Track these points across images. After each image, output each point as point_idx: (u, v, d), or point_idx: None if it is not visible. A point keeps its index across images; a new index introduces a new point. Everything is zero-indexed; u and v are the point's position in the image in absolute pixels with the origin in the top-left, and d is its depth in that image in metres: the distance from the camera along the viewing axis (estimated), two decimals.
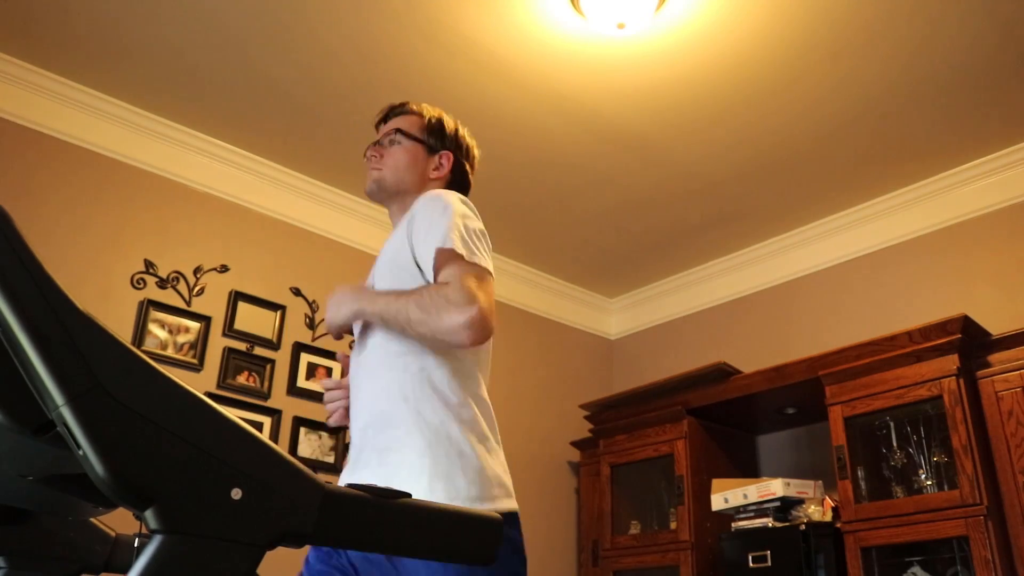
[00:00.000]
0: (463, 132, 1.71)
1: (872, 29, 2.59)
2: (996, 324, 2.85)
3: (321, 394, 3.31)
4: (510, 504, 1.34)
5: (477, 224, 1.48)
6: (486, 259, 1.42)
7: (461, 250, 1.37)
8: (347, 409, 1.56)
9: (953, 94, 2.88)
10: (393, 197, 1.63)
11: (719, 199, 3.57)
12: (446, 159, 1.66)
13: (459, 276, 1.34)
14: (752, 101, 2.95)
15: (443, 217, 1.42)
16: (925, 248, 3.41)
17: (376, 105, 3.01)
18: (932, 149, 3.19)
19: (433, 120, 1.67)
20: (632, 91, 2.92)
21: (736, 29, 2.62)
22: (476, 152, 1.74)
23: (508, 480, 1.38)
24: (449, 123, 1.68)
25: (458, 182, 1.68)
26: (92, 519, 1.11)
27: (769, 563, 2.95)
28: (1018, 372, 2.62)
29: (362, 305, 1.43)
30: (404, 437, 1.32)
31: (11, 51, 2.82)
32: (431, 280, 1.40)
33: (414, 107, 1.69)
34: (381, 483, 1.22)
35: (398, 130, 1.65)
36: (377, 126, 1.72)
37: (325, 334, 3.44)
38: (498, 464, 1.37)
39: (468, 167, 1.70)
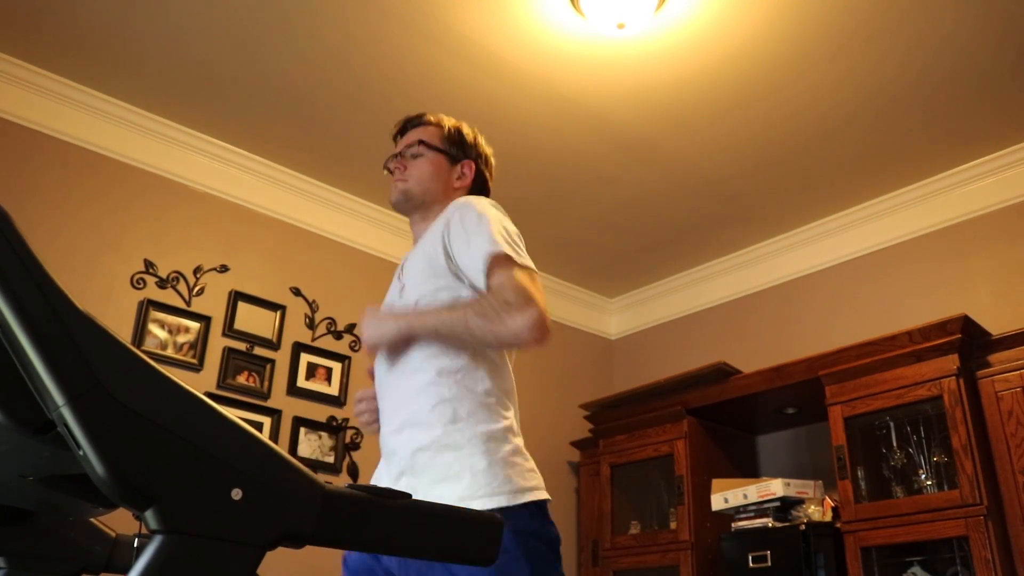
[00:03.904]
0: (481, 140, 1.74)
1: (871, 28, 2.59)
2: (996, 324, 2.85)
3: (321, 394, 3.32)
4: (544, 494, 1.40)
5: (513, 227, 1.51)
6: (529, 260, 1.45)
7: (510, 252, 1.40)
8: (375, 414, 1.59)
9: (952, 94, 2.88)
10: (418, 208, 1.66)
11: (719, 199, 3.57)
12: (468, 168, 1.69)
13: (514, 279, 1.37)
14: (751, 101, 2.95)
15: (483, 223, 1.44)
16: (925, 248, 3.41)
17: (376, 104, 3.03)
18: (932, 149, 3.19)
19: (453, 130, 1.70)
20: (632, 91, 2.92)
21: (736, 29, 2.62)
22: (493, 160, 1.77)
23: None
24: (468, 132, 1.72)
25: (480, 190, 1.72)
26: (92, 519, 1.11)
27: (769, 563, 2.95)
28: (1018, 372, 2.62)
29: (411, 323, 1.43)
30: (463, 455, 1.36)
31: (12, 51, 2.82)
32: (477, 285, 1.42)
33: (431, 118, 1.72)
34: (431, 484, 1.32)
35: (421, 141, 1.67)
36: (395, 138, 1.74)
37: (325, 334, 3.44)
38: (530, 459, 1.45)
39: (488, 175, 1.74)
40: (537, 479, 1.40)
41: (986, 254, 3.21)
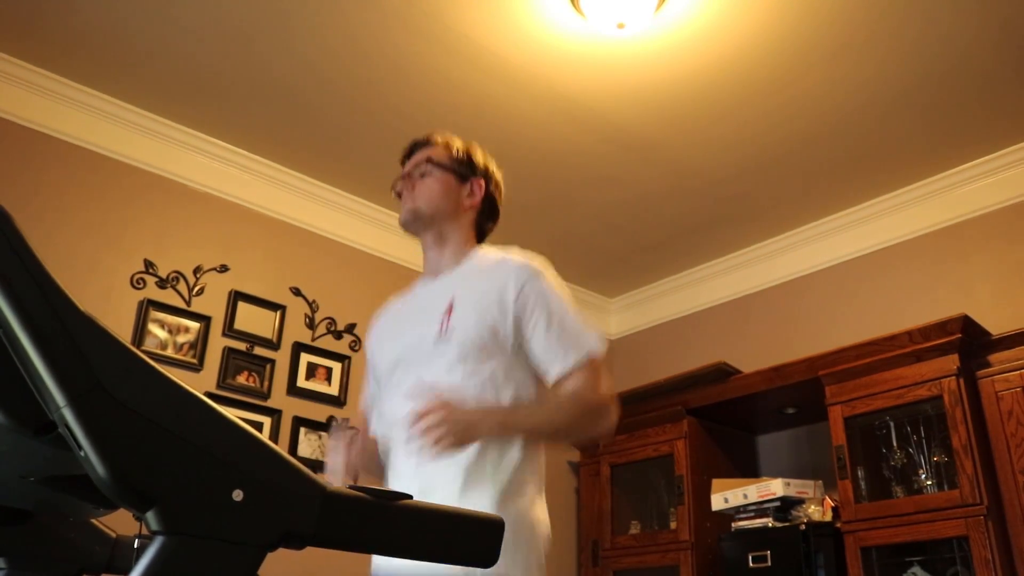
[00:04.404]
0: (491, 162, 1.73)
1: (871, 28, 2.59)
2: (996, 324, 2.85)
3: (321, 394, 3.32)
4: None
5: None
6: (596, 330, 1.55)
7: (599, 351, 1.49)
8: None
9: (953, 93, 2.88)
10: (429, 227, 1.64)
11: (719, 199, 3.57)
12: (478, 187, 1.67)
13: (597, 384, 1.47)
14: (752, 101, 2.95)
15: (568, 310, 1.51)
16: (925, 248, 3.41)
17: (376, 104, 3.03)
18: (932, 149, 3.19)
19: (461, 150, 1.68)
20: (632, 91, 2.92)
21: (736, 29, 2.62)
22: (501, 181, 1.74)
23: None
24: (478, 152, 1.70)
25: (489, 210, 1.70)
26: (93, 520, 1.10)
27: (769, 563, 2.95)
28: (1018, 372, 2.62)
29: (506, 422, 1.44)
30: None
31: (11, 51, 2.82)
32: (548, 376, 1.48)
33: (439, 138, 1.70)
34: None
35: (428, 160, 1.65)
36: (403, 162, 1.72)
37: (325, 335, 3.44)
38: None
39: (497, 197, 1.72)
40: None
41: (986, 254, 3.21)
